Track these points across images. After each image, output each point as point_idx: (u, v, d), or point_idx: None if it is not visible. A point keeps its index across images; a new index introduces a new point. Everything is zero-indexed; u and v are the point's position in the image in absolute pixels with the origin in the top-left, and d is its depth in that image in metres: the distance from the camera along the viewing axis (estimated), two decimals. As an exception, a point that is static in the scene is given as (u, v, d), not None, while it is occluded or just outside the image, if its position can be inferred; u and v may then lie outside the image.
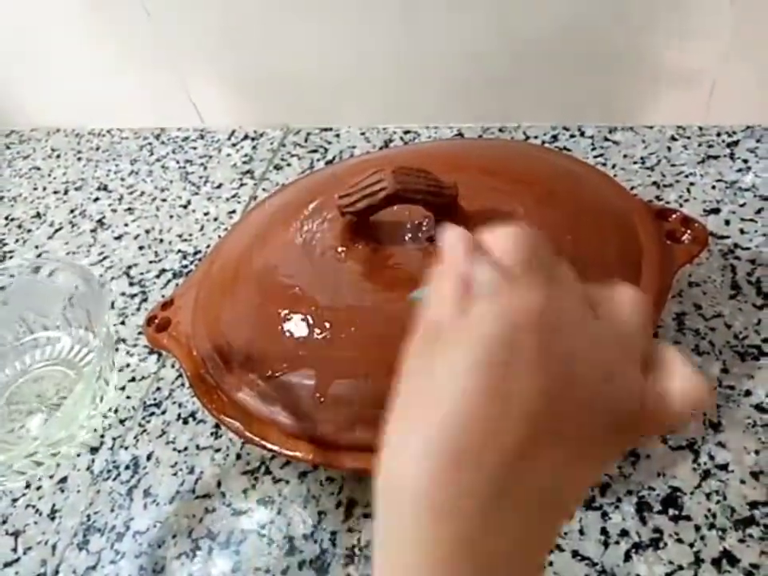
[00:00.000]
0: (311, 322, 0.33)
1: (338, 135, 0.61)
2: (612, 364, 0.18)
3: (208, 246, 0.52)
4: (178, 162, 0.63)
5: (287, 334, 0.33)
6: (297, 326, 0.33)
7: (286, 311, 0.34)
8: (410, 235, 0.34)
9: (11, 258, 0.57)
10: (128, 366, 0.45)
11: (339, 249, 0.35)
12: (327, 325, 0.32)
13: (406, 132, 0.59)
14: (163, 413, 0.42)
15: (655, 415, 0.19)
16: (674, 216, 0.37)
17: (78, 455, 0.38)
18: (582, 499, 0.29)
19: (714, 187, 0.46)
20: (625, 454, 0.23)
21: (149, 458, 0.40)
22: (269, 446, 0.33)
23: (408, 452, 0.18)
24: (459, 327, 0.18)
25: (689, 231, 0.36)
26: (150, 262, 0.53)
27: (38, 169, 0.67)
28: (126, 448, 0.41)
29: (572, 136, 0.54)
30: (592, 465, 0.19)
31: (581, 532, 0.32)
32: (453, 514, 0.17)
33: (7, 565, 0.37)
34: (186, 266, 0.52)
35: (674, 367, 0.19)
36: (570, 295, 0.19)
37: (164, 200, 0.59)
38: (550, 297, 0.18)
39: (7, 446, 0.38)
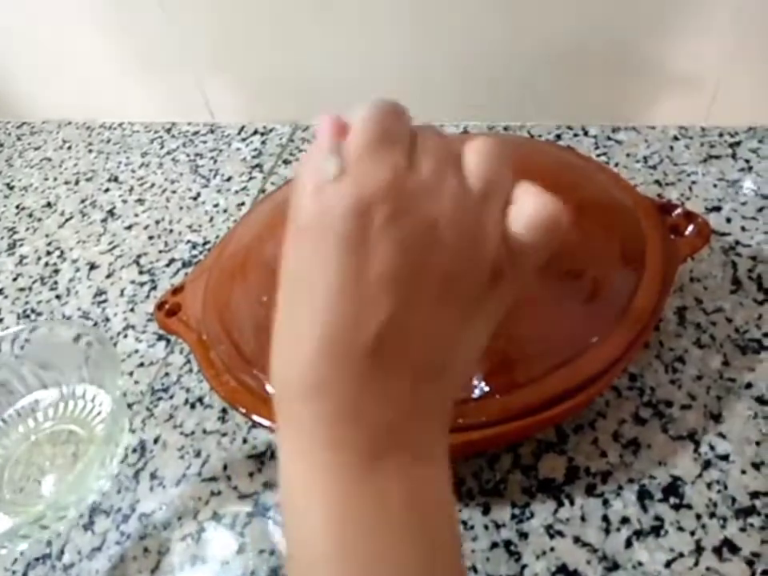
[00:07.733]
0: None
1: (346, 132, 0.61)
2: (478, 223, 0.19)
3: (217, 237, 0.53)
4: (188, 156, 0.63)
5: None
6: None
7: (296, 296, 0.34)
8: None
9: (21, 246, 0.58)
10: (137, 351, 0.46)
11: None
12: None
13: (414, 129, 0.59)
14: (171, 397, 0.43)
15: (519, 254, 0.20)
16: (677, 211, 0.37)
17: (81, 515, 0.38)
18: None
19: (715, 186, 0.47)
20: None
21: (156, 441, 0.41)
22: (277, 427, 0.33)
23: (288, 346, 0.19)
24: (312, 216, 0.19)
25: (692, 225, 0.36)
26: (160, 251, 0.54)
27: (49, 160, 0.68)
28: (133, 431, 0.41)
29: (575, 135, 0.54)
30: (472, 326, 0.20)
31: (582, 519, 0.32)
32: (332, 389, 0.18)
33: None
34: (195, 256, 0.52)
35: (526, 196, 0.20)
36: (430, 162, 0.19)
37: (174, 192, 0.59)
38: (401, 167, 0.19)
39: (17, 509, 0.38)
